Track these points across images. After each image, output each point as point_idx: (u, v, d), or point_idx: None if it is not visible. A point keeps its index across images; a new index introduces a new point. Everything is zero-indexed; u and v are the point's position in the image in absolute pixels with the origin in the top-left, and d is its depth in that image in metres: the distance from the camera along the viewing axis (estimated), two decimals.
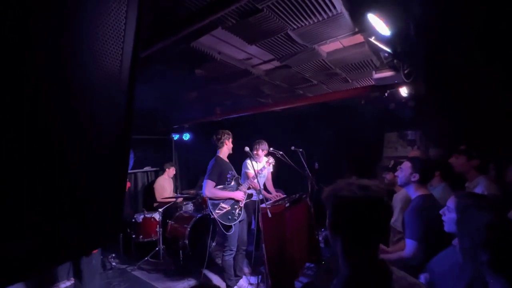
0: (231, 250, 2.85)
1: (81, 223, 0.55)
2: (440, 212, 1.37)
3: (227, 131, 3.02)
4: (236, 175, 3.04)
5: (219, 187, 2.85)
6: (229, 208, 2.82)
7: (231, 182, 2.94)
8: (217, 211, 2.79)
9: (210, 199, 2.83)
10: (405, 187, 1.80)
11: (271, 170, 3.60)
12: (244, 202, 2.94)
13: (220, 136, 2.95)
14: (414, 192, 1.75)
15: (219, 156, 2.95)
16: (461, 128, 2.74)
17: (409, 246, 1.60)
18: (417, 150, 3.24)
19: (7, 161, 0.41)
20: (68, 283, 3.09)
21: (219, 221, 2.77)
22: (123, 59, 0.59)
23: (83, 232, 0.56)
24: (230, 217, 2.81)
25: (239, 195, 2.88)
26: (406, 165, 1.78)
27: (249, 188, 3.02)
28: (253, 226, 3.69)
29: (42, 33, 0.43)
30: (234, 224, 2.81)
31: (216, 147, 3.00)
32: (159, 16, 1.71)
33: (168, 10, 1.66)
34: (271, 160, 3.33)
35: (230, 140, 3.00)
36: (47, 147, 0.47)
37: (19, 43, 0.40)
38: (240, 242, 2.98)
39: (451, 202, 1.31)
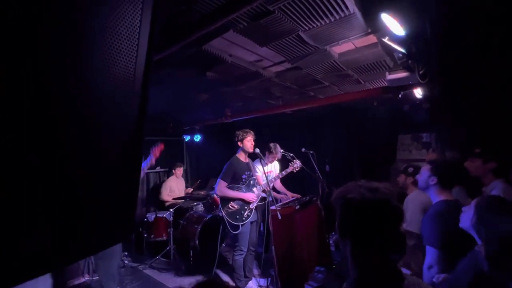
0: (242, 251, 2.86)
1: (88, 223, 0.56)
2: (463, 209, 1.33)
3: (243, 130, 2.96)
4: (253, 176, 3.04)
5: (234, 186, 2.88)
6: (238, 208, 2.84)
7: (246, 182, 2.96)
8: (226, 209, 2.82)
9: (221, 198, 2.86)
10: (427, 191, 1.73)
11: (278, 171, 3.55)
12: (255, 204, 2.93)
13: (235, 137, 2.97)
14: (435, 197, 1.66)
15: (235, 157, 2.98)
16: (478, 130, 2.65)
17: (429, 253, 1.52)
18: (434, 153, 3.14)
19: (16, 162, 0.42)
20: (82, 280, 3.17)
21: (226, 219, 2.79)
22: (137, 62, 0.60)
23: (89, 232, 0.57)
24: (238, 216, 2.82)
25: (250, 196, 2.88)
26: (425, 168, 1.72)
27: (263, 191, 3.01)
28: (261, 228, 3.69)
29: (55, 35, 0.44)
30: (241, 225, 2.82)
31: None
32: (172, 19, 1.75)
33: (180, 14, 1.69)
34: (297, 164, 3.22)
35: (246, 139, 2.93)
36: (59, 148, 0.48)
37: (31, 45, 0.41)
38: (250, 243, 2.98)
39: (472, 202, 1.28)
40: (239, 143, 2.95)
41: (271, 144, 3.40)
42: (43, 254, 0.48)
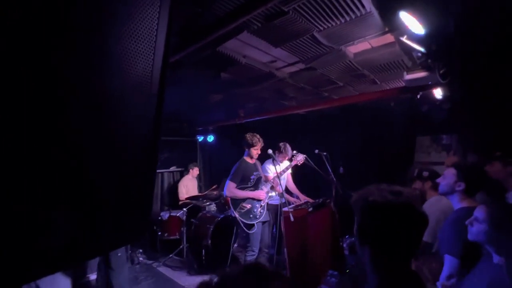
0: (253, 251, 2.86)
1: (103, 222, 0.58)
2: (466, 222, 1.27)
3: (253, 137, 2.93)
4: (260, 176, 3.06)
5: (242, 187, 2.90)
6: (251, 207, 2.86)
7: (253, 183, 2.98)
8: (238, 210, 2.84)
9: (231, 198, 2.88)
10: (448, 196, 1.61)
11: (290, 171, 3.51)
12: (266, 200, 2.94)
13: (245, 140, 2.96)
14: (458, 203, 1.55)
15: (243, 159, 3.01)
16: (502, 131, 2.51)
17: (448, 263, 1.44)
18: (454, 156, 3.00)
19: (39, 165, 0.43)
20: (95, 276, 3.27)
21: (240, 220, 2.80)
22: (154, 64, 0.61)
23: (105, 231, 0.59)
24: (251, 215, 2.84)
25: (260, 194, 2.90)
26: (450, 172, 1.57)
27: (271, 188, 3.02)
28: (273, 230, 3.67)
29: (77, 39, 0.46)
30: (256, 223, 2.83)
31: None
32: (187, 22, 1.78)
33: (195, 16, 1.71)
34: (300, 157, 3.20)
35: (254, 148, 2.92)
36: (80, 149, 0.50)
37: (51, 47, 0.43)
38: (262, 244, 2.99)
39: (480, 213, 1.21)
40: (245, 147, 2.97)
41: (281, 144, 3.35)
42: (61, 251, 0.49)
